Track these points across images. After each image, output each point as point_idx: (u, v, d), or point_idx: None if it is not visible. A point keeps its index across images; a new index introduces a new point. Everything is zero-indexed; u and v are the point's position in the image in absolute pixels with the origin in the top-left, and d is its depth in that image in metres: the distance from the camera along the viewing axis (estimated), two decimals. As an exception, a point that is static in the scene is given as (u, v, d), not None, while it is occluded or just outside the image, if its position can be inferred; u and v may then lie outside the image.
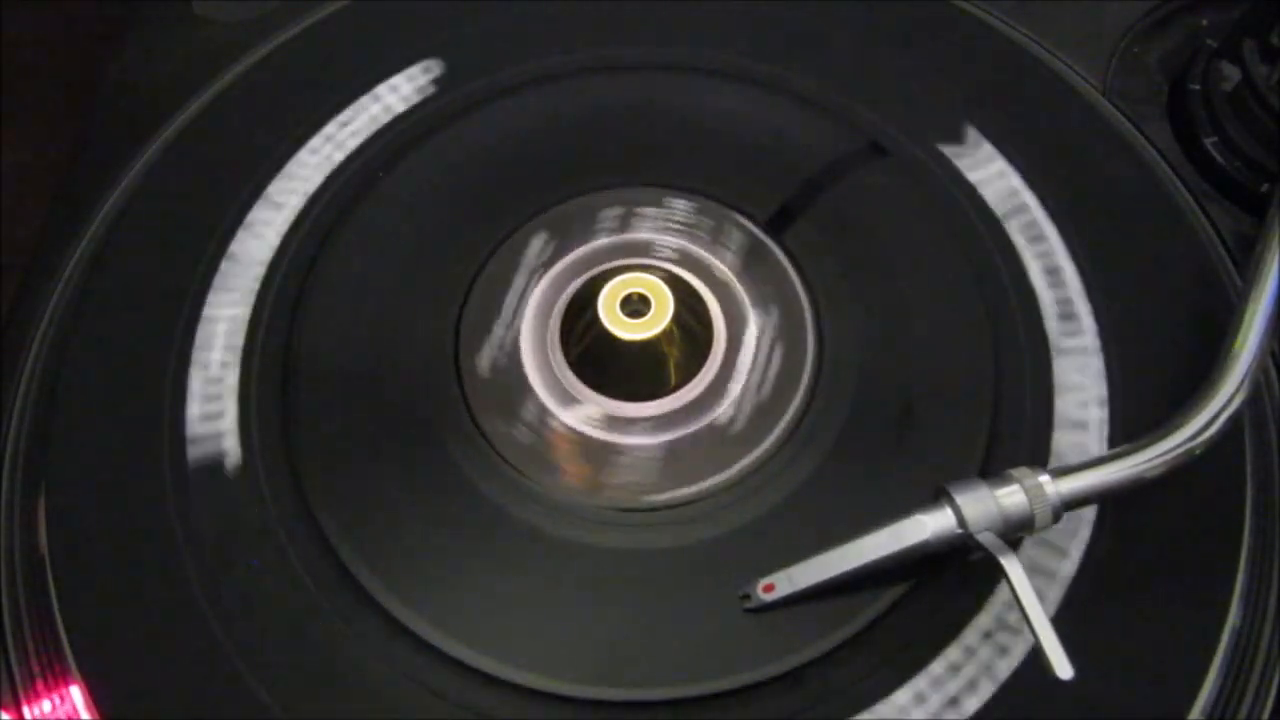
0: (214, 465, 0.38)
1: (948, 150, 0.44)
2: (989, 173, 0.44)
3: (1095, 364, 0.40)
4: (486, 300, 0.41)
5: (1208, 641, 0.36)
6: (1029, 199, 0.43)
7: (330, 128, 0.45)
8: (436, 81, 0.46)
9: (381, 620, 0.35)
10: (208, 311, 0.41)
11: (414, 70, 0.47)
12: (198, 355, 0.40)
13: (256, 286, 0.42)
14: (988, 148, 0.44)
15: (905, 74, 0.46)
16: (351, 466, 0.38)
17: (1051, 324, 0.41)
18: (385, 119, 0.45)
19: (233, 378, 0.40)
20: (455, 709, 0.34)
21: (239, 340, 0.41)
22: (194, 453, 0.38)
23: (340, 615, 0.36)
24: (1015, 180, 0.44)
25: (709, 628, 0.35)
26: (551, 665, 0.35)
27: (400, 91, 0.46)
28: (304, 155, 0.44)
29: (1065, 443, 0.38)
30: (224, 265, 0.42)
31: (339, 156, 0.44)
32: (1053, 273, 0.42)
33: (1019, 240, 0.42)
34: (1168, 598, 0.36)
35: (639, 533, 0.37)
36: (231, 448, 0.39)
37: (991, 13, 0.49)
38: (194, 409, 0.39)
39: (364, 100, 0.46)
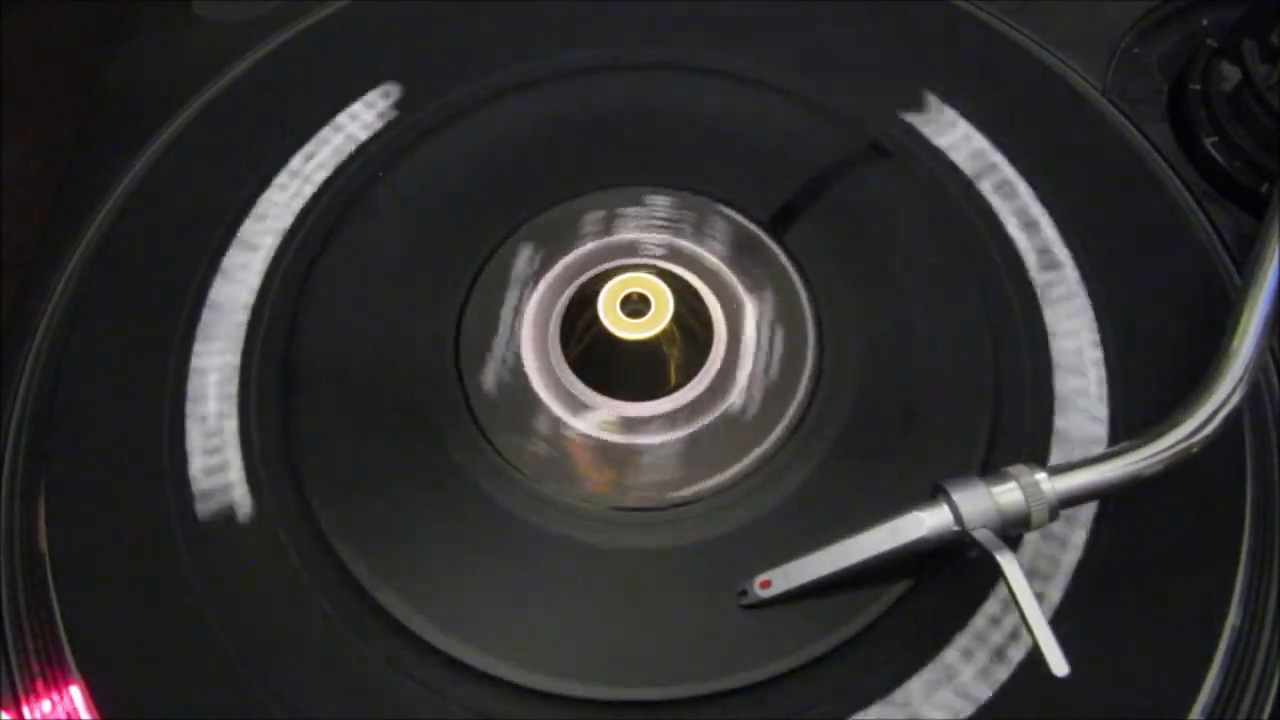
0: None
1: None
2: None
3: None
4: (482, 318, 0.41)
5: (1208, 641, 0.36)
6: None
7: (295, 162, 0.45)
8: (397, 105, 0.46)
9: (382, 620, 0.35)
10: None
11: (372, 96, 0.46)
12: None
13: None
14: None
15: (905, 74, 0.46)
16: (350, 464, 0.38)
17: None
18: (349, 148, 0.45)
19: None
20: (455, 709, 0.34)
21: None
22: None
23: (340, 615, 0.36)
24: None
25: (709, 627, 0.35)
26: (552, 665, 0.35)
27: (361, 119, 0.46)
28: (272, 194, 0.44)
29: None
30: (211, 295, 0.42)
31: (309, 190, 0.44)
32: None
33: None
34: (1168, 598, 0.36)
35: (639, 533, 0.37)
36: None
37: (991, 13, 0.49)
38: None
39: (325, 132, 0.45)
